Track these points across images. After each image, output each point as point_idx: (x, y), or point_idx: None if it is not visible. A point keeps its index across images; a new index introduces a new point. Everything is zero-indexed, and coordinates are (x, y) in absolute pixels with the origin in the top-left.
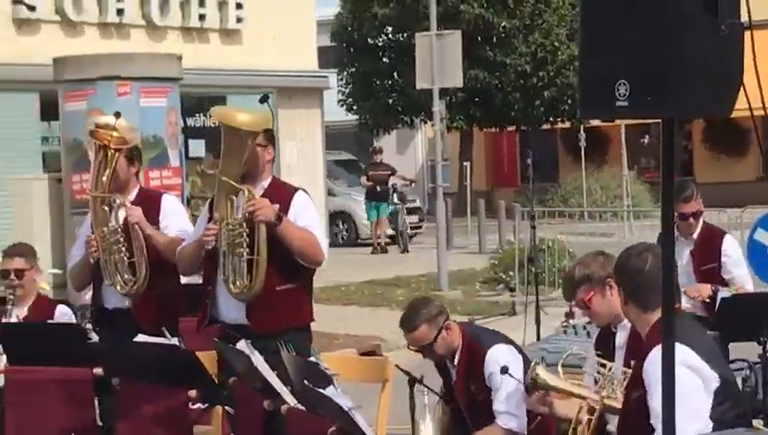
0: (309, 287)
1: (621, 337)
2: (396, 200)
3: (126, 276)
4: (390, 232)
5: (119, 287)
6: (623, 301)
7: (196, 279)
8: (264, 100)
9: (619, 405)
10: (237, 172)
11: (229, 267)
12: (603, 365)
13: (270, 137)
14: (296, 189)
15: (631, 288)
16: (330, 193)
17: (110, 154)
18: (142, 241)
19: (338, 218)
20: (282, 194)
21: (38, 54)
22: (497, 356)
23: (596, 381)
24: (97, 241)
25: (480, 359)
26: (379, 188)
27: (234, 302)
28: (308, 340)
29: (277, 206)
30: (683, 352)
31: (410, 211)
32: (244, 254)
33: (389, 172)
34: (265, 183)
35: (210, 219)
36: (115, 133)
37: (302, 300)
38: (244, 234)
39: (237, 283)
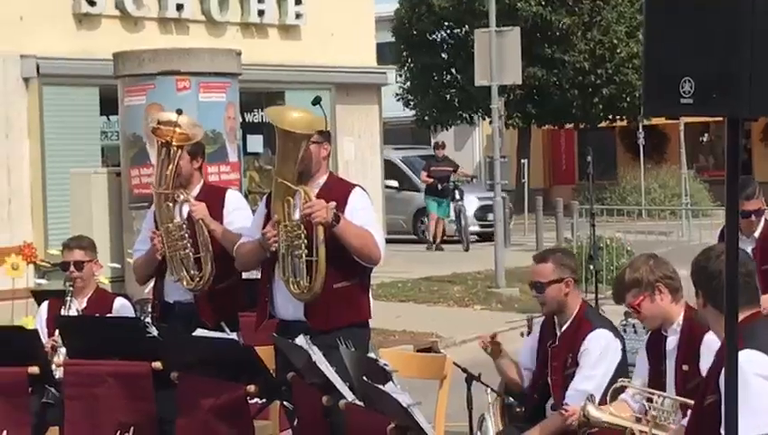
0: (367, 284)
1: (672, 341)
2: (458, 197)
3: (192, 272)
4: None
5: (185, 283)
6: (701, 304)
7: (256, 274)
8: (316, 102)
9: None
10: (293, 173)
11: (288, 268)
12: (650, 399)
13: (325, 133)
14: (353, 186)
15: (710, 291)
16: (416, 189)
17: (172, 151)
18: (207, 236)
19: (423, 215)
20: (338, 191)
21: (98, 49)
22: (599, 338)
23: (645, 410)
24: (162, 237)
25: (584, 333)
26: (440, 186)
27: (292, 300)
28: (366, 336)
29: (334, 204)
30: (761, 361)
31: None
32: (303, 255)
33: (452, 169)
34: (321, 180)
35: (268, 216)
36: (178, 130)
37: (359, 297)
38: (302, 235)
39: (297, 284)
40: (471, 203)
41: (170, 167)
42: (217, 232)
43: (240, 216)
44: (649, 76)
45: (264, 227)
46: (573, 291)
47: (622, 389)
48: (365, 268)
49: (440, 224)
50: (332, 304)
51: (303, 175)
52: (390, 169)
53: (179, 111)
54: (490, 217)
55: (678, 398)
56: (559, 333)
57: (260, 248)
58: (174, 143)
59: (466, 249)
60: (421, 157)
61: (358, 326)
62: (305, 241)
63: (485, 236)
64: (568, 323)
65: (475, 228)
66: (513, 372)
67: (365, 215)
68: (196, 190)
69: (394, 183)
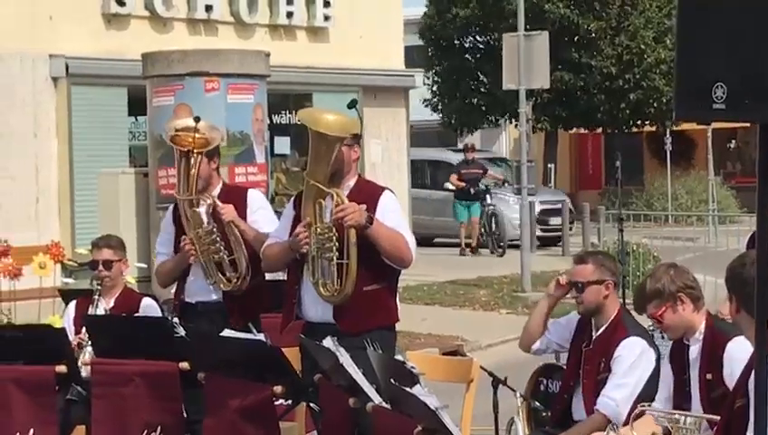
0: (395, 287)
1: (694, 350)
2: (489, 201)
3: (229, 274)
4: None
5: (222, 285)
6: (734, 309)
7: (280, 275)
8: (352, 105)
9: None
10: (325, 175)
11: (318, 270)
12: (674, 420)
13: (357, 136)
14: (383, 189)
15: (744, 297)
16: None
17: (193, 158)
18: (239, 236)
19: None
20: (368, 193)
21: (127, 50)
22: (633, 346)
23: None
24: (194, 243)
25: (618, 339)
26: (471, 189)
27: (320, 302)
28: (393, 339)
29: (364, 206)
30: None
31: (548, 212)
32: (334, 258)
33: (482, 171)
34: (351, 182)
35: (296, 218)
36: (197, 135)
37: (388, 300)
38: (334, 238)
39: (328, 286)
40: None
41: (192, 172)
42: (247, 232)
43: (264, 215)
44: (681, 81)
45: (292, 229)
46: (612, 294)
47: (642, 414)
48: (394, 271)
49: (475, 226)
50: (362, 307)
51: (335, 177)
52: (449, 172)
53: (197, 119)
54: (552, 221)
55: (702, 415)
56: (594, 336)
57: (289, 250)
58: (194, 150)
59: (501, 255)
60: (488, 159)
61: (386, 329)
62: (336, 244)
63: (547, 241)
64: (604, 326)
65: (537, 232)
66: (536, 330)
67: (396, 217)
68: (216, 191)
69: (452, 186)
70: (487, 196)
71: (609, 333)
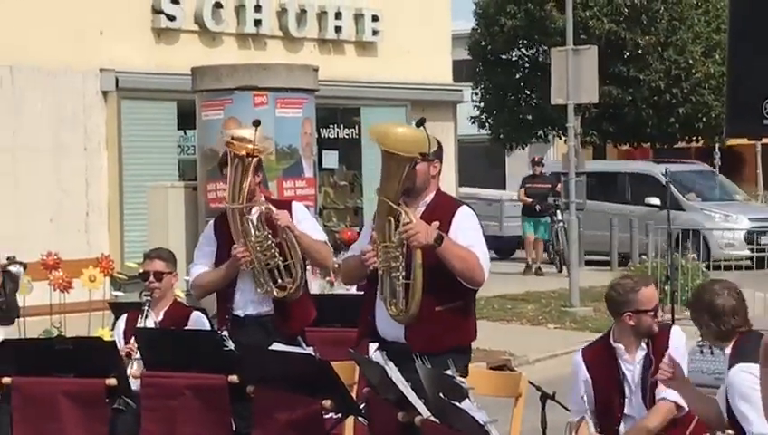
0: (471, 306)
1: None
2: (558, 217)
3: (283, 281)
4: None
5: (275, 293)
6: None
7: (326, 290)
8: (420, 123)
9: None
10: (396, 193)
11: (387, 289)
12: None
13: (437, 151)
14: (459, 205)
15: None
16: (678, 207)
17: (245, 163)
18: (294, 242)
19: (685, 237)
20: (444, 210)
21: (176, 64)
22: (680, 333)
23: None
24: (248, 251)
25: (666, 336)
26: (537, 206)
27: (391, 319)
28: (469, 359)
29: (437, 223)
30: None
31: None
32: (401, 277)
33: (549, 185)
34: (429, 198)
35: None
36: (252, 146)
37: (462, 319)
38: (401, 257)
39: (394, 305)
40: (741, 223)
41: (245, 181)
42: (303, 238)
43: (309, 225)
44: (731, 97)
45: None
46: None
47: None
48: (468, 290)
49: (539, 246)
50: (434, 327)
51: (411, 193)
52: (654, 186)
53: (257, 123)
54: (763, 240)
55: None
56: (649, 349)
57: (363, 265)
58: (248, 156)
59: (560, 270)
60: (695, 172)
61: (461, 350)
62: (403, 263)
63: (759, 262)
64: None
65: (745, 252)
66: None
67: (471, 235)
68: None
69: (656, 201)
70: (558, 212)
71: (659, 337)
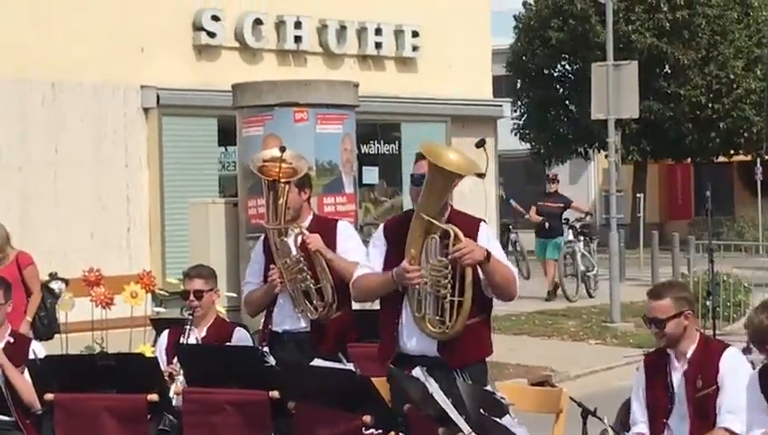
0: (489, 318)
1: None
2: (571, 238)
3: (316, 302)
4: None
5: (309, 314)
6: None
7: (368, 305)
8: (480, 144)
9: None
10: (438, 210)
11: (427, 306)
12: None
13: (480, 175)
14: (479, 220)
15: None
16: None
17: (279, 187)
18: (325, 266)
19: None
20: (466, 225)
21: (217, 80)
22: (735, 356)
23: None
24: (281, 273)
25: (716, 353)
26: (547, 224)
27: (420, 335)
28: (486, 370)
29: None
30: None
31: None
32: (448, 295)
33: (562, 205)
34: (445, 215)
35: (391, 249)
36: (284, 165)
37: (486, 332)
38: (449, 276)
39: (435, 322)
40: None
41: (280, 202)
42: (336, 262)
43: (354, 245)
44: None
45: (387, 260)
46: (692, 321)
47: None
48: (490, 304)
49: (550, 268)
50: (466, 341)
51: (440, 211)
52: None
53: (283, 148)
54: None
55: None
56: (683, 361)
57: (390, 283)
58: (282, 180)
59: (590, 295)
60: None
61: (484, 362)
62: (451, 281)
63: None
64: (693, 347)
65: None
66: None
67: (499, 249)
68: (306, 222)
69: None
70: (569, 232)
71: (702, 350)
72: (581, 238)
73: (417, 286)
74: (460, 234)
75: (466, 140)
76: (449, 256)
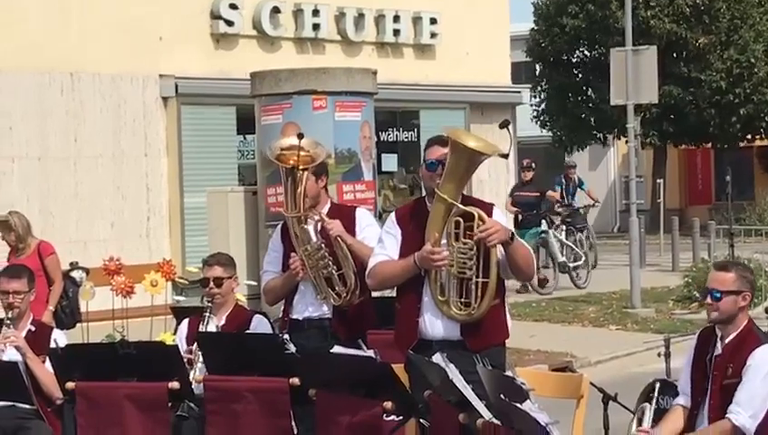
0: (505, 301)
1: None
2: (544, 227)
3: (338, 288)
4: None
5: (333, 301)
6: None
7: (387, 292)
8: (504, 125)
9: None
10: (458, 193)
11: (454, 290)
12: None
13: (504, 156)
14: (491, 204)
15: None
16: None
17: (298, 175)
18: (346, 251)
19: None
20: (482, 210)
21: (235, 69)
22: (765, 355)
23: None
24: (303, 260)
25: (750, 347)
26: (520, 216)
27: (443, 319)
28: (505, 354)
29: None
30: None
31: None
32: (473, 277)
33: (538, 193)
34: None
35: (406, 235)
36: (302, 153)
37: (505, 315)
38: (475, 257)
39: (460, 305)
40: None
41: (299, 190)
42: (357, 247)
43: (372, 231)
44: None
45: (404, 246)
46: (746, 306)
47: None
48: (505, 286)
49: None
50: (488, 324)
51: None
52: None
53: (300, 135)
54: None
55: None
56: (721, 344)
57: (413, 268)
58: (300, 167)
59: (577, 286)
60: None
61: (500, 345)
62: (476, 262)
63: None
64: (734, 334)
65: None
66: None
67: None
68: (324, 210)
69: None
70: (543, 222)
71: (739, 340)
72: (563, 228)
73: (443, 269)
74: (484, 215)
75: (485, 127)
76: (475, 237)
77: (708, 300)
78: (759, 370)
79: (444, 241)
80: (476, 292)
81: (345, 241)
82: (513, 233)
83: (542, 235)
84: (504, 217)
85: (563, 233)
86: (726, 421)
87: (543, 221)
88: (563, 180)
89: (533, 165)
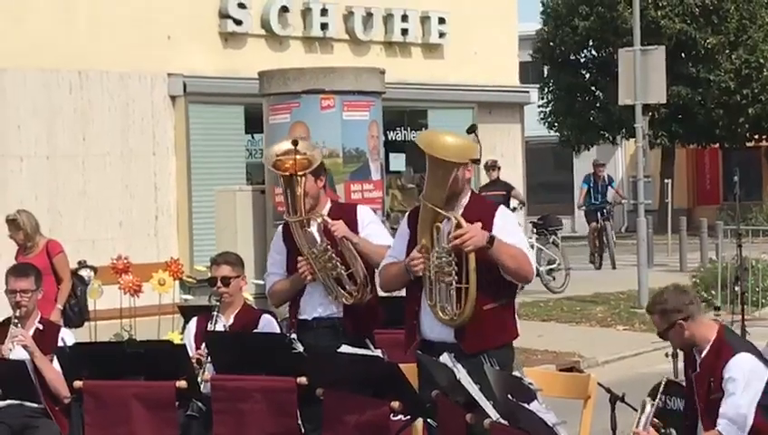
0: (513, 303)
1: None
2: None
3: (348, 287)
4: None
5: (345, 300)
6: None
7: (395, 292)
8: (471, 130)
9: None
10: (442, 199)
11: (437, 295)
12: None
13: (475, 161)
14: (497, 205)
15: None
16: None
17: (296, 179)
18: (353, 250)
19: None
20: (483, 211)
21: (243, 68)
22: (741, 364)
23: None
24: (310, 263)
25: (724, 360)
26: None
27: (439, 323)
28: (512, 355)
29: (479, 224)
30: None
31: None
32: (453, 282)
33: (504, 192)
34: (465, 200)
35: (412, 237)
36: (298, 157)
37: (507, 317)
38: (453, 262)
39: (446, 310)
40: None
41: (299, 194)
42: (363, 245)
43: (374, 229)
44: None
45: (408, 249)
46: (696, 324)
47: None
48: (511, 287)
49: None
50: (483, 327)
51: (451, 199)
52: None
53: (295, 142)
54: None
55: None
56: (699, 360)
57: (406, 272)
58: (298, 173)
59: (551, 291)
60: None
61: (507, 346)
62: (455, 268)
63: None
64: (707, 349)
65: None
66: None
67: (514, 232)
68: (325, 210)
69: None
70: None
71: (713, 354)
72: (535, 231)
73: (427, 274)
74: (461, 220)
75: (494, 127)
76: (450, 244)
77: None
78: (736, 381)
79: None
80: (458, 297)
81: (351, 240)
82: (492, 237)
83: None
84: (511, 217)
85: (534, 236)
86: (716, 433)
87: None
88: (592, 179)
89: (498, 164)
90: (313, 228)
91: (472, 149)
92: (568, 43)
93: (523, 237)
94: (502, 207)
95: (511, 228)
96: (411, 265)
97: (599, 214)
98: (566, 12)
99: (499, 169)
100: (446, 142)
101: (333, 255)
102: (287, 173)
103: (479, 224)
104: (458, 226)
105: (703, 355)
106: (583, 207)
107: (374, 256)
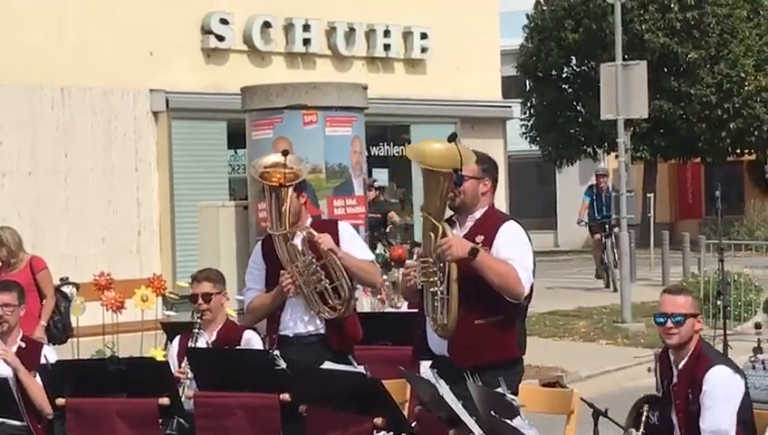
0: (514, 320)
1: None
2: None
3: (332, 302)
4: None
5: (327, 315)
6: None
7: (377, 308)
8: (452, 139)
9: None
10: (438, 209)
11: (428, 305)
12: None
13: (487, 168)
14: (505, 220)
15: None
16: None
17: (283, 192)
18: (338, 263)
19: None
20: (490, 225)
21: (226, 84)
22: (718, 377)
23: None
24: (294, 277)
25: (702, 371)
26: None
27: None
28: (517, 375)
29: (481, 237)
30: None
31: None
32: (439, 292)
33: (378, 216)
34: (479, 214)
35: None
36: (286, 170)
37: (503, 334)
38: (438, 272)
39: (436, 319)
40: None
41: (284, 207)
42: (347, 259)
43: (357, 244)
44: None
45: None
46: (700, 329)
47: None
48: (510, 304)
49: None
50: (474, 341)
51: (461, 209)
52: None
53: (285, 152)
54: None
55: None
56: (676, 371)
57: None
58: (285, 184)
59: None
60: None
61: (504, 365)
62: (441, 277)
63: None
64: (686, 359)
65: None
66: None
67: (513, 249)
68: (307, 225)
69: None
70: (378, 245)
71: (692, 364)
72: None
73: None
74: (448, 230)
75: (476, 142)
76: (433, 253)
77: (669, 324)
78: (716, 394)
79: None
80: (441, 307)
81: (336, 253)
82: (476, 249)
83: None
84: (516, 233)
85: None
86: None
87: (379, 244)
88: (594, 191)
89: (375, 185)
90: (297, 241)
91: (454, 158)
92: (553, 57)
93: (526, 256)
94: (509, 223)
95: (511, 244)
96: (404, 272)
97: (604, 228)
98: (553, 25)
99: (377, 190)
100: (434, 151)
101: (318, 268)
102: (275, 184)
103: (480, 237)
104: (443, 235)
105: (682, 365)
106: (583, 223)
107: (357, 269)
